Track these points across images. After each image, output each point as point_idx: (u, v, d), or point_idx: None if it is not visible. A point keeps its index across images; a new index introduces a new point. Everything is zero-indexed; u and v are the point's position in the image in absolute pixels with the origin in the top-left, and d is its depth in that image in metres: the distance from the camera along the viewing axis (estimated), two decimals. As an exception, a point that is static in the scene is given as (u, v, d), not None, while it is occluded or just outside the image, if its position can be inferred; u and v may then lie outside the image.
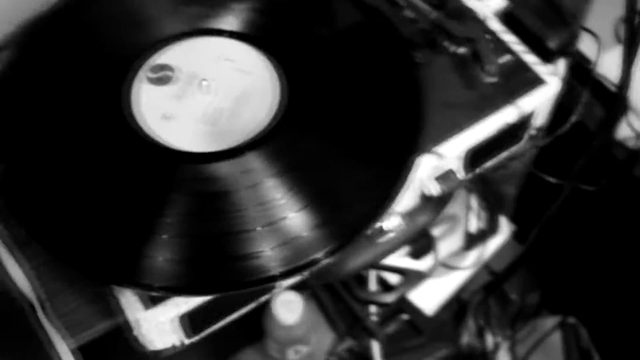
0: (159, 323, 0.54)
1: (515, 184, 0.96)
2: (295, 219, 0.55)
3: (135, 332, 0.56)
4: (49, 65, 0.63)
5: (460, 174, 0.62)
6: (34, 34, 0.65)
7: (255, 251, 0.54)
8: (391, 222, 0.60)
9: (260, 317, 0.89)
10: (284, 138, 0.59)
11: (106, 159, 0.57)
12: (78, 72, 0.62)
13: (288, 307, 0.85)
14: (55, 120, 0.60)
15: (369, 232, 0.58)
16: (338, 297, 0.94)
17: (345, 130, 0.60)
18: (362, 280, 0.94)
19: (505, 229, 1.00)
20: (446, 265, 0.96)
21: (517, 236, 1.01)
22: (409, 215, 0.62)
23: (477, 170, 0.66)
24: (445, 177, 0.61)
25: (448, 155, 0.61)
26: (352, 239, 0.55)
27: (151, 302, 0.54)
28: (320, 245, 0.54)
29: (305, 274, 0.56)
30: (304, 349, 0.90)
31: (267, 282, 0.54)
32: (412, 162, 0.58)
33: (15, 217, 0.55)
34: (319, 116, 0.60)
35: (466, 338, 1.06)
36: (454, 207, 0.93)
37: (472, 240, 0.97)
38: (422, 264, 0.93)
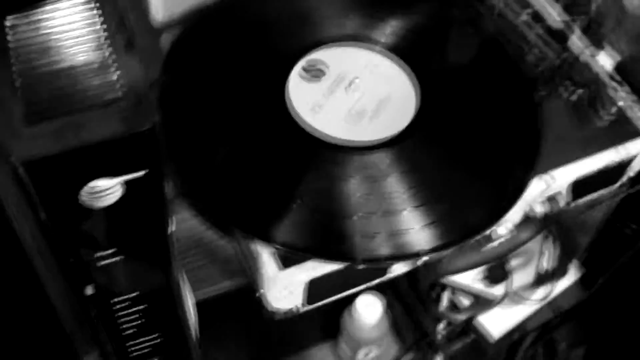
0: (289, 284, 0.61)
1: (590, 234, 1.02)
2: (413, 213, 0.62)
3: (262, 291, 0.63)
4: (215, 45, 0.71)
5: (564, 201, 0.68)
6: (205, 16, 0.73)
7: (372, 232, 0.61)
8: (500, 231, 0.67)
9: (339, 316, 0.96)
10: (412, 143, 0.66)
11: (262, 134, 0.66)
12: (241, 55, 0.71)
13: (369, 307, 0.91)
14: (217, 96, 0.68)
15: (478, 237, 0.65)
16: (409, 309, 1.00)
17: (469, 144, 0.68)
18: (435, 297, 1.00)
19: (573, 272, 1.06)
20: (516, 296, 1.02)
21: (583, 281, 1.06)
22: (515, 229, 0.68)
23: (575, 203, 0.73)
24: (551, 200, 0.68)
25: (556, 181, 0.67)
26: (463, 240, 0.62)
27: (284, 264, 0.61)
28: (431, 240, 0.62)
29: (412, 263, 0.63)
30: (374, 352, 0.96)
31: (376, 262, 0.62)
32: (526, 181, 0.65)
33: (180, 176, 0.63)
34: (446, 129, 0.68)
35: (509, 382, 1.11)
36: (531, 245, 0.99)
37: (542, 278, 1.03)
38: (495, 291, 0.99)
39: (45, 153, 0.39)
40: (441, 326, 1.00)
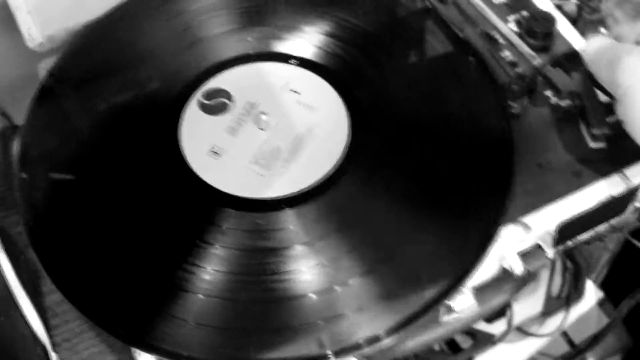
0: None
1: (610, 248, 0.86)
2: (353, 287, 0.47)
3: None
4: (92, 77, 0.56)
5: (549, 251, 0.52)
6: (84, 40, 0.58)
7: (303, 323, 0.46)
8: (462, 302, 0.51)
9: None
10: (344, 190, 0.51)
11: (139, 190, 0.50)
12: (124, 88, 0.55)
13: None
14: (94, 140, 0.53)
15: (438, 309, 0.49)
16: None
17: (419, 187, 0.51)
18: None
19: (591, 295, 0.89)
20: (521, 331, 0.86)
21: (603, 305, 0.90)
22: (483, 293, 0.52)
23: (569, 244, 0.57)
24: (531, 253, 0.52)
25: (536, 228, 0.51)
26: (419, 317, 0.46)
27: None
28: (381, 321, 0.46)
29: (361, 353, 0.47)
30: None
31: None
32: (495, 232, 0.49)
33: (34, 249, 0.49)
34: (388, 168, 0.52)
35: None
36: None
37: (553, 305, 0.87)
38: (494, 327, 0.84)
39: None
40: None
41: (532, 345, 0.86)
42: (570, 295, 0.87)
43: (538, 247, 0.52)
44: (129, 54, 0.57)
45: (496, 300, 0.53)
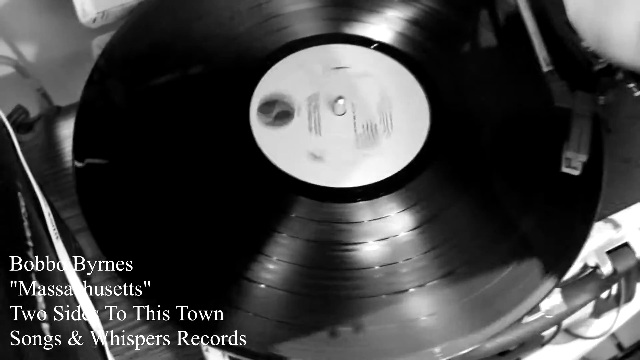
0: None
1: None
2: (434, 288, 0.44)
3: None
4: (151, 53, 0.53)
5: (639, 251, 0.49)
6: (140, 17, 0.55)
7: (376, 326, 0.43)
8: (550, 301, 0.48)
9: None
10: (424, 185, 0.48)
11: (205, 174, 0.48)
12: (183, 67, 0.52)
13: None
14: (155, 120, 0.50)
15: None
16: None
17: (504, 186, 0.48)
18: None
19: (640, 296, 0.87)
20: (569, 332, 0.83)
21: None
22: (568, 291, 0.50)
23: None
24: (619, 252, 0.49)
25: (626, 225, 0.48)
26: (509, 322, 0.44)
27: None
28: (465, 326, 0.43)
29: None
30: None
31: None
32: (588, 230, 0.46)
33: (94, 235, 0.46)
34: (471, 164, 0.49)
35: None
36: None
37: (603, 307, 0.84)
38: (543, 329, 0.81)
39: None
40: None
41: (581, 347, 0.83)
42: (620, 296, 0.84)
43: (627, 246, 0.49)
44: (189, 32, 0.54)
45: (580, 300, 0.50)
